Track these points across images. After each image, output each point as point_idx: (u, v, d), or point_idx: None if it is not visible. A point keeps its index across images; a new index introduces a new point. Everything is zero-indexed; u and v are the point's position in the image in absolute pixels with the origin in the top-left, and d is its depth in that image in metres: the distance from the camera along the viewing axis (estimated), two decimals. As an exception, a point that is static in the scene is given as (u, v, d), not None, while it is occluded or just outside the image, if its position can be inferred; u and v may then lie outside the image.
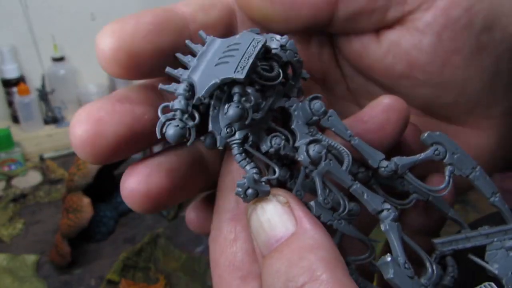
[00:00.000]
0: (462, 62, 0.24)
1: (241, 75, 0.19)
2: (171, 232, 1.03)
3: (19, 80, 1.38)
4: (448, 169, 0.23)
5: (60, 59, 1.45)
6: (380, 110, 0.23)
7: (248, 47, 0.19)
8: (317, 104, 0.22)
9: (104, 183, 1.05)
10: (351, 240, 0.23)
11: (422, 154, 0.23)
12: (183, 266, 0.94)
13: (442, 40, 0.24)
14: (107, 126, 0.19)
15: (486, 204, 0.24)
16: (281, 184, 0.23)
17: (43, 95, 1.42)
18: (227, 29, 0.23)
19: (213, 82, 0.19)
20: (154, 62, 0.20)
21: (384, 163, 0.22)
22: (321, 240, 0.19)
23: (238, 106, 0.19)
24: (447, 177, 0.23)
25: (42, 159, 1.37)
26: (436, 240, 0.24)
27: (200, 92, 0.19)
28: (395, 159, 0.23)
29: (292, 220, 0.19)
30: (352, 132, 0.22)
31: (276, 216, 0.20)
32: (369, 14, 0.24)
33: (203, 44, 0.21)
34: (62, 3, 1.46)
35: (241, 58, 0.19)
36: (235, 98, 0.19)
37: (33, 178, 1.27)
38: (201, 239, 1.01)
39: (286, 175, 0.23)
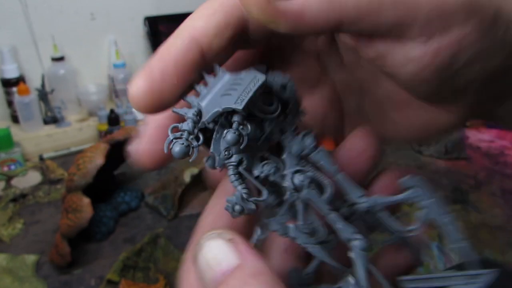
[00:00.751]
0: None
1: (239, 106, 0.21)
2: (171, 232, 1.03)
3: (19, 80, 1.38)
4: (421, 213, 0.25)
5: (60, 59, 1.45)
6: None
7: (249, 83, 0.22)
8: (308, 140, 0.25)
9: (104, 183, 1.05)
10: (330, 269, 0.25)
11: (402, 195, 0.25)
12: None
13: (417, 74, 0.23)
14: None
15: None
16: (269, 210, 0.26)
17: (43, 95, 1.42)
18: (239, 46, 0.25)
19: (216, 109, 0.22)
20: (178, 97, 0.23)
21: (361, 200, 0.25)
22: (264, 269, 0.20)
23: (235, 133, 0.22)
24: (420, 221, 0.25)
25: (42, 159, 1.37)
26: (402, 278, 0.25)
27: (205, 117, 0.22)
28: (375, 196, 0.25)
29: (236, 254, 0.20)
30: (339, 164, 0.25)
31: (221, 253, 0.21)
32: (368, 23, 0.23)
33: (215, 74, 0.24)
34: (62, 3, 1.46)
35: (242, 92, 0.22)
36: (234, 125, 0.22)
37: (33, 178, 1.26)
38: (201, 239, 1.01)
39: (274, 202, 0.25)
